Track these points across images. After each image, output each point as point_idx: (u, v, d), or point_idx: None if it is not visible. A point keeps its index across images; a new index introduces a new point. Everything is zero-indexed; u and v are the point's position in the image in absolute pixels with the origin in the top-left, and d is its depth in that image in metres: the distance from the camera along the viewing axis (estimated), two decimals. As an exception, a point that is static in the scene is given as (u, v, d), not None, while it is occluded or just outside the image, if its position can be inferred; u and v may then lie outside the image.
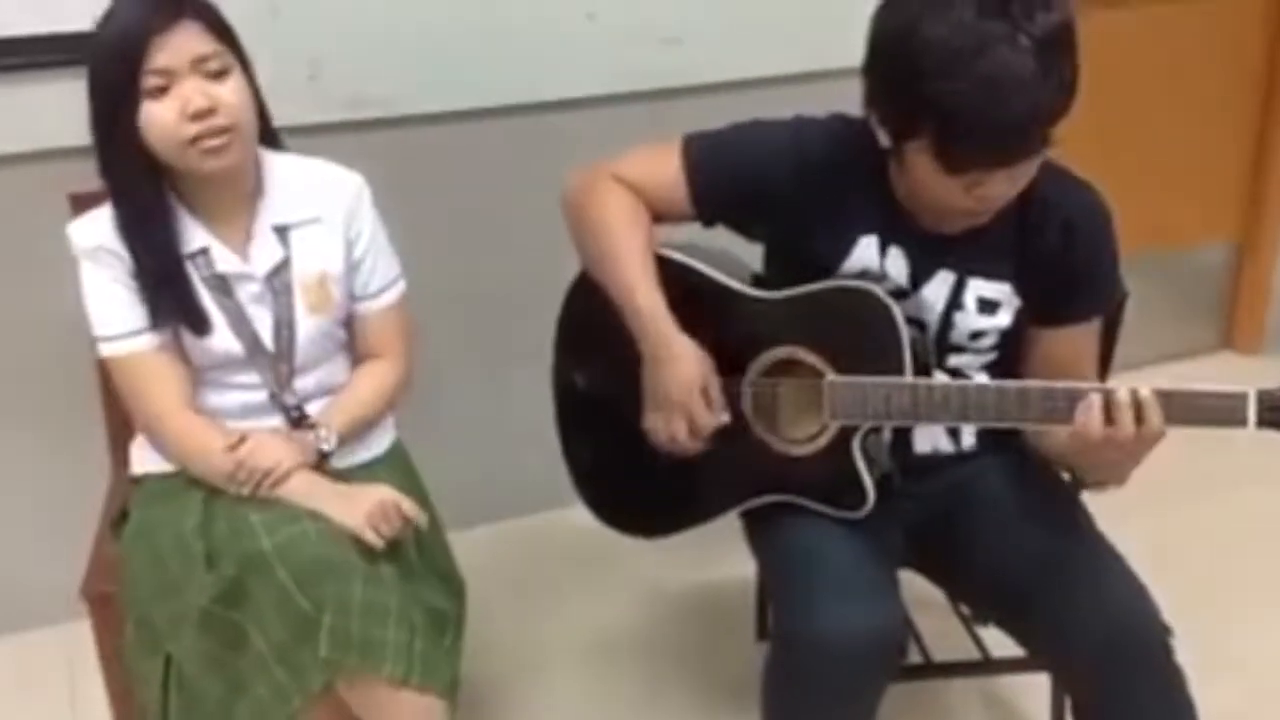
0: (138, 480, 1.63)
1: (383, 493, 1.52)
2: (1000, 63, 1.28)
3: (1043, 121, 1.32)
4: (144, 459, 1.62)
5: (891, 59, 1.36)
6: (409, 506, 1.53)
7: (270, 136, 1.60)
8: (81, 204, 1.71)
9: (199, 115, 1.44)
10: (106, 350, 1.54)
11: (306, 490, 1.50)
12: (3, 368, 2.10)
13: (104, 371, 1.60)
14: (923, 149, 1.36)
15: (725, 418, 1.54)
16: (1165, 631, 1.47)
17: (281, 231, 1.57)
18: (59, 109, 1.87)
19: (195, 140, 1.45)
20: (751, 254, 1.64)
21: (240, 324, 1.55)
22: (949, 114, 1.31)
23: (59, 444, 2.10)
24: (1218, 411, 1.35)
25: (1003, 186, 1.39)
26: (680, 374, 1.51)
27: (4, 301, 2.07)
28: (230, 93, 1.47)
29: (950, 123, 1.31)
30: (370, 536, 1.47)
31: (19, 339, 2.08)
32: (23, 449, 2.15)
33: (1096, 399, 1.36)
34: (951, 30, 1.29)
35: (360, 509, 1.48)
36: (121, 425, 1.69)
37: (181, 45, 1.43)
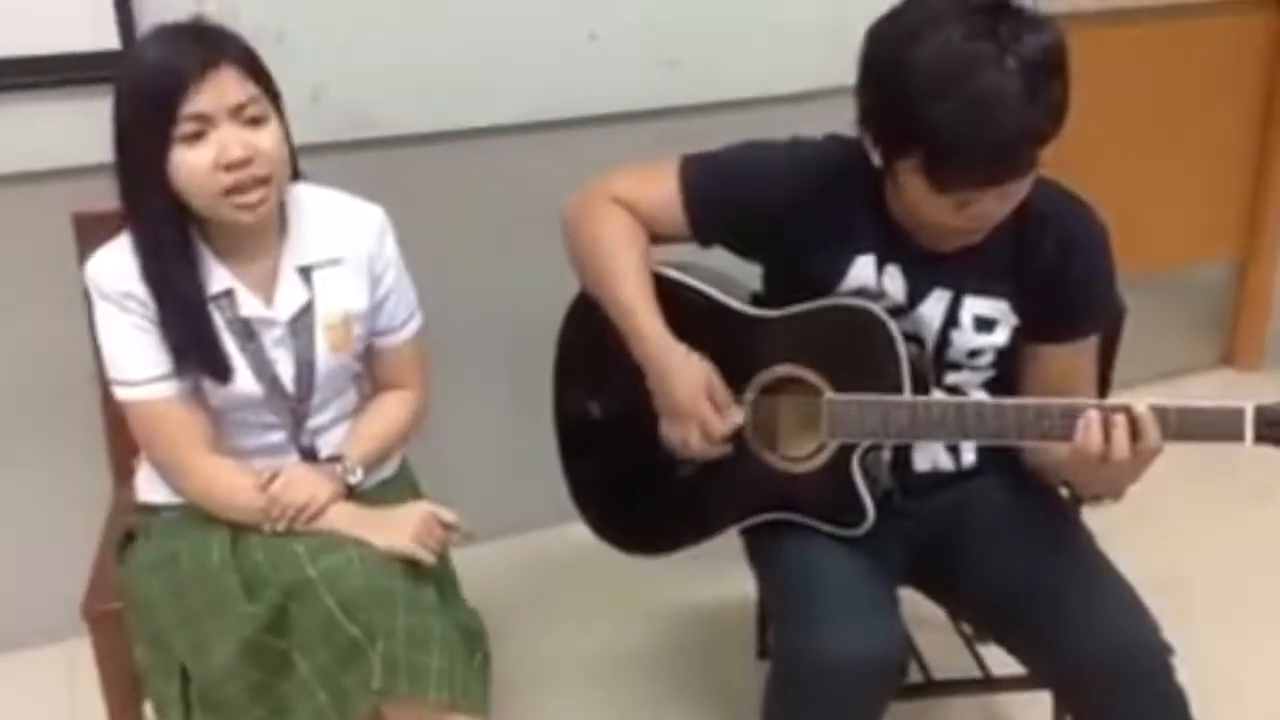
0: (149, 508, 1.61)
1: (421, 509, 1.53)
2: (987, 84, 1.29)
3: (1030, 142, 1.33)
4: (153, 487, 1.60)
5: (881, 80, 1.38)
6: (449, 514, 1.54)
7: (294, 170, 1.56)
8: (86, 224, 1.72)
9: (234, 165, 1.41)
10: (125, 395, 1.51)
11: (346, 521, 1.50)
12: (5, 385, 2.11)
13: (107, 393, 1.59)
14: (913, 169, 1.37)
15: (738, 418, 1.54)
16: (1165, 651, 1.46)
17: (305, 272, 1.55)
18: (63, 128, 1.89)
19: (229, 192, 1.42)
20: (749, 274, 1.65)
21: (262, 368, 1.53)
22: (937, 135, 1.32)
23: (61, 462, 2.10)
24: (1215, 427, 1.36)
25: (994, 205, 1.40)
26: (686, 383, 1.52)
27: (7, 319, 2.07)
28: (267, 141, 1.43)
29: (938, 144, 1.32)
30: (422, 554, 1.47)
31: (22, 357, 2.09)
32: (25, 467, 2.15)
33: (1094, 416, 1.37)
34: (939, 52, 1.30)
35: (404, 530, 1.48)
36: (124, 445, 1.69)
37: (221, 91, 1.39)
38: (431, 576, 1.51)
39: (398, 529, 1.49)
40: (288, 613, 1.41)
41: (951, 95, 1.29)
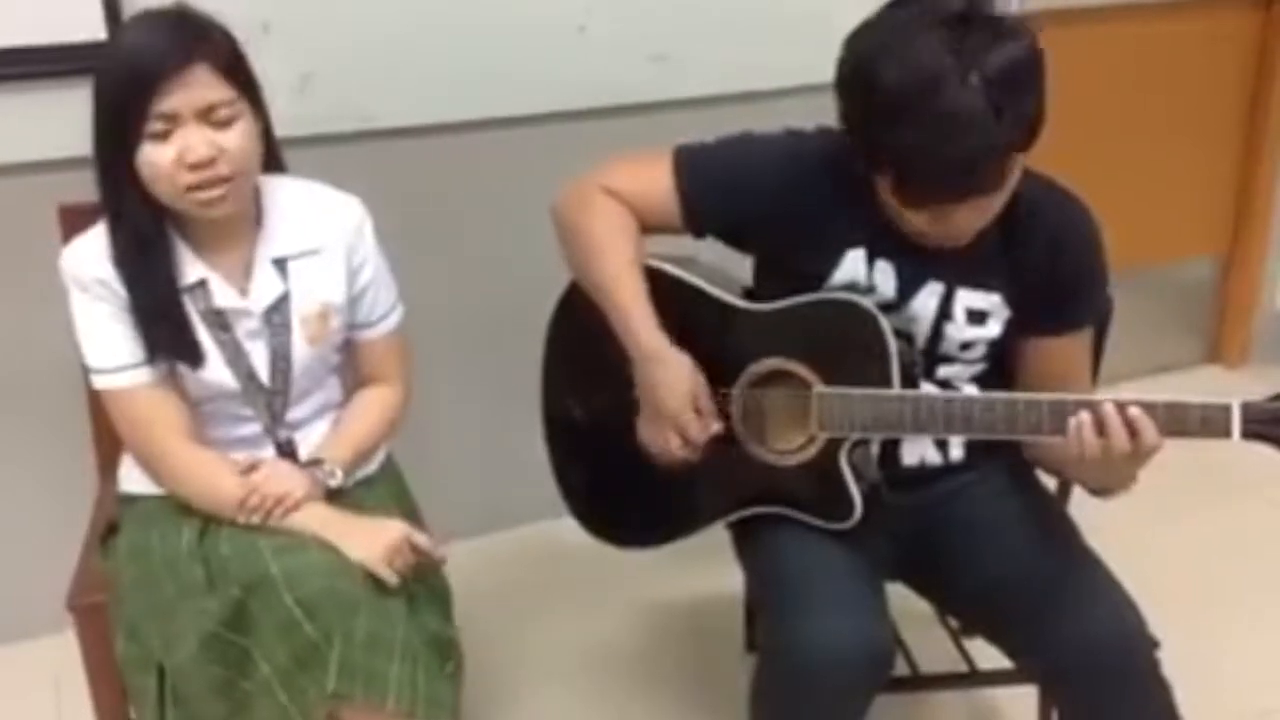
0: (129, 498, 1.61)
1: (397, 529, 1.49)
2: (949, 102, 1.28)
3: (994, 159, 1.33)
4: (133, 478, 1.60)
5: (849, 99, 1.39)
6: (423, 540, 1.51)
7: (275, 162, 1.56)
8: (71, 216, 1.71)
9: (198, 165, 1.40)
10: (101, 383, 1.51)
11: (319, 522, 1.48)
12: (-9, 379, 2.10)
13: (91, 387, 1.58)
14: (886, 183, 1.38)
15: (717, 428, 1.55)
16: (1152, 644, 1.47)
17: (280, 264, 1.54)
18: (48, 120, 1.88)
19: (191, 189, 1.42)
20: (742, 267, 1.65)
21: (237, 359, 1.53)
22: (901, 156, 1.33)
23: (47, 456, 2.09)
24: (1203, 423, 1.36)
25: (969, 217, 1.40)
26: (673, 386, 1.52)
27: (-8, 312, 2.06)
28: (234, 141, 1.43)
29: (903, 162, 1.34)
30: (385, 573, 1.44)
31: (8, 350, 2.08)
32: (10, 461, 2.14)
33: (1086, 417, 1.37)
34: (903, 71, 1.30)
35: (375, 546, 1.45)
36: (108, 439, 1.68)
37: (192, 91, 1.39)
38: (401, 584, 1.47)
39: (369, 543, 1.46)
40: (247, 609, 1.40)
41: (914, 116, 1.29)
